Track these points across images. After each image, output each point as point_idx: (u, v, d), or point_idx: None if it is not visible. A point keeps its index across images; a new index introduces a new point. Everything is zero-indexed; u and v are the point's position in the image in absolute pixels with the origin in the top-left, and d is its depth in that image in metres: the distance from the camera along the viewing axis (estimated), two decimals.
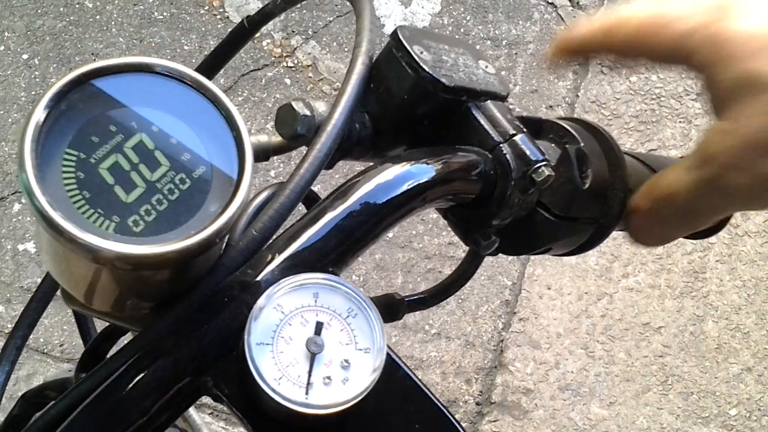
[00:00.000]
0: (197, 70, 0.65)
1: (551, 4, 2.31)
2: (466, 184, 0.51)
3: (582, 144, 0.54)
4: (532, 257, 1.96)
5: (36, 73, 2.07)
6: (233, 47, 0.65)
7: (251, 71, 2.13)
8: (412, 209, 0.48)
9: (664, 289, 2.02)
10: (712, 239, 1.77)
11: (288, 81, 2.13)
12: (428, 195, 0.48)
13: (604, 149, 0.55)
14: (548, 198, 0.54)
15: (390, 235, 1.96)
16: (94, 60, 2.06)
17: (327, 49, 2.18)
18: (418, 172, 0.47)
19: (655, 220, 0.55)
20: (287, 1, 0.59)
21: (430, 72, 0.49)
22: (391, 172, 0.47)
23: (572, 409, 1.89)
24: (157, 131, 0.39)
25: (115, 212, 0.37)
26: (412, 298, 0.56)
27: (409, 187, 0.47)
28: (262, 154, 0.50)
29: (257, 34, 2.17)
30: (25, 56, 2.09)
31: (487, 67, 0.55)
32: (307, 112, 0.48)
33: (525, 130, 0.53)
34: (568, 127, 0.56)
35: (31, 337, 2.05)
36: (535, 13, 2.29)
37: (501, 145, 0.51)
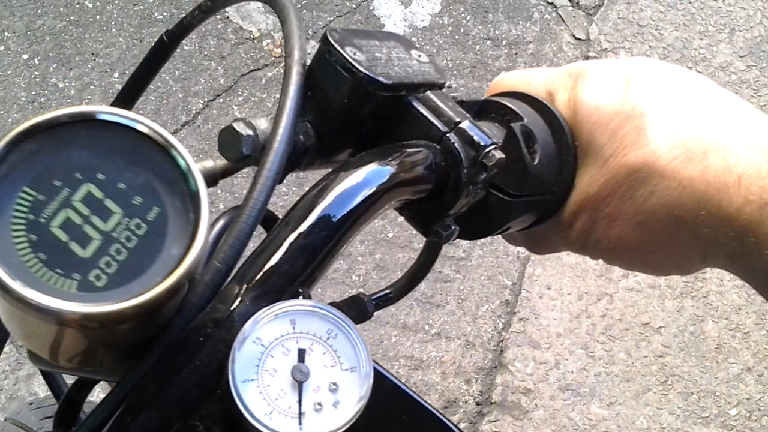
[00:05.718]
0: (120, 95, 0.61)
1: (551, 4, 2.31)
2: (421, 179, 0.50)
3: (525, 120, 0.54)
4: (533, 257, 1.95)
5: (36, 73, 2.07)
6: (155, 65, 0.63)
7: (251, 71, 2.13)
8: (373, 214, 0.47)
9: (664, 289, 2.01)
10: None
11: None
12: (386, 198, 0.47)
13: (545, 118, 0.54)
14: (500, 179, 0.53)
15: (390, 235, 1.96)
16: (94, 60, 2.04)
17: None
18: (373, 177, 0.47)
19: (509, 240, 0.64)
20: (204, 11, 0.57)
21: (367, 72, 0.48)
22: (347, 182, 0.46)
23: (572, 409, 1.89)
24: (104, 179, 0.37)
25: (75, 270, 0.35)
26: (378, 295, 0.55)
27: (367, 194, 0.46)
28: (210, 179, 0.48)
29: (258, 34, 2.17)
30: (25, 56, 2.09)
31: (420, 56, 0.54)
32: (250, 132, 0.46)
33: (468, 115, 0.52)
34: (509, 104, 0.55)
35: None
36: (535, 13, 2.29)
37: (448, 134, 0.51)
